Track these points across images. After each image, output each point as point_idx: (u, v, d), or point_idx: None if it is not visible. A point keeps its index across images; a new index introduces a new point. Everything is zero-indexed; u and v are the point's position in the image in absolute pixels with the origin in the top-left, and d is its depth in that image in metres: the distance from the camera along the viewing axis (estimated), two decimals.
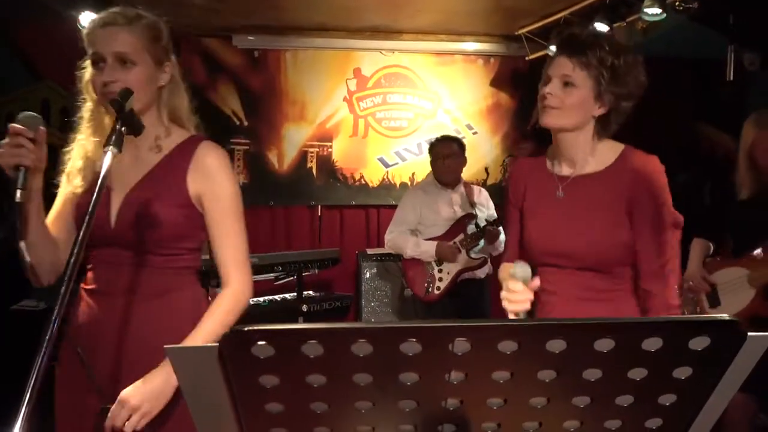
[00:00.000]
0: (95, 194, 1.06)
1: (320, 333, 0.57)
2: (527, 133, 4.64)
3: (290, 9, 3.88)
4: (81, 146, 1.38)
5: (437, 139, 3.33)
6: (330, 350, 0.58)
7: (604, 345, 0.60)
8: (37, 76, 4.17)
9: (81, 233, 1.03)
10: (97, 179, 1.11)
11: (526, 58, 4.27)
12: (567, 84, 1.44)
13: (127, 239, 1.31)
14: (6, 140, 1.16)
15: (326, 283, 4.19)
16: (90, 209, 1.04)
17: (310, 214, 4.45)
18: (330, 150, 4.45)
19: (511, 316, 1.35)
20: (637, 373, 0.63)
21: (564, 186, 1.50)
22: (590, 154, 1.48)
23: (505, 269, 1.65)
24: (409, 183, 4.51)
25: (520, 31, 4.15)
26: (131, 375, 1.27)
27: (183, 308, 1.36)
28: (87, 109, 1.36)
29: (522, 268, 1.33)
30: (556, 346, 0.59)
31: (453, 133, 4.40)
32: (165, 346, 0.60)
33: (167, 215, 1.31)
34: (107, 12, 1.32)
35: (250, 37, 4.28)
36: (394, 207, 4.38)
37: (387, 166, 4.52)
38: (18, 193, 1.14)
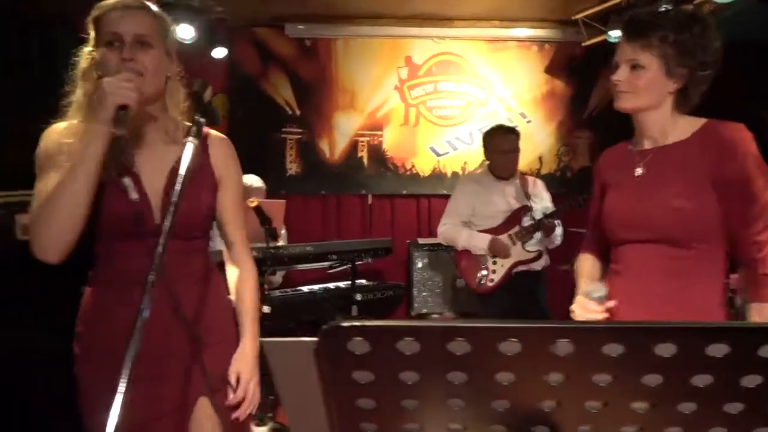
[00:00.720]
0: (179, 185, 1.07)
1: (418, 330, 0.56)
2: (583, 122, 4.50)
3: None
4: (72, 130, 1.32)
5: (494, 130, 3.22)
6: (426, 347, 0.57)
7: (664, 350, 0.57)
8: None
9: (168, 225, 1.03)
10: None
11: (583, 44, 4.13)
12: (634, 67, 1.44)
13: (169, 230, 1.30)
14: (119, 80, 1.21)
15: (377, 272, 4.20)
16: (175, 200, 1.05)
17: (360, 204, 4.47)
18: (381, 139, 4.44)
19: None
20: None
21: (644, 161, 1.48)
22: (671, 129, 1.46)
23: (583, 261, 1.62)
24: (460, 172, 4.46)
25: (578, 16, 4.01)
26: (205, 357, 1.32)
27: (221, 286, 1.47)
28: (82, 95, 1.33)
29: (597, 288, 1.34)
30: (666, 350, 0.56)
31: (506, 122, 4.32)
32: (263, 340, 0.60)
33: (205, 201, 1.39)
34: None
35: (301, 26, 4.29)
36: (446, 196, 4.36)
37: (438, 155, 4.48)
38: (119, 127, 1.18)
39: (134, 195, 1.31)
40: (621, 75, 1.45)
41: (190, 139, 1.13)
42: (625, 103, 1.46)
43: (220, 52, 3.93)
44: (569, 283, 4.33)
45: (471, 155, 4.46)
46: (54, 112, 1.37)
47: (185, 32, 3.66)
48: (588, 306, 1.40)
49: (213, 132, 1.45)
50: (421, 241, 4.22)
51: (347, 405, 0.63)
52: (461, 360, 0.59)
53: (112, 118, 1.18)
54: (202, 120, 1.17)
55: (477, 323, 0.55)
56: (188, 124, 1.38)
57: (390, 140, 4.45)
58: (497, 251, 3.05)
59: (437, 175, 4.48)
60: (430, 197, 4.48)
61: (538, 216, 3.07)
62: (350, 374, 0.60)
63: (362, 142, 4.43)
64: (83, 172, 1.20)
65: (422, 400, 0.63)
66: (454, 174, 4.47)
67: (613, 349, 0.57)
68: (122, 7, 1.30)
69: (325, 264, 3.42)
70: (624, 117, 1.57)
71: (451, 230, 3.16)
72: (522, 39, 4.44)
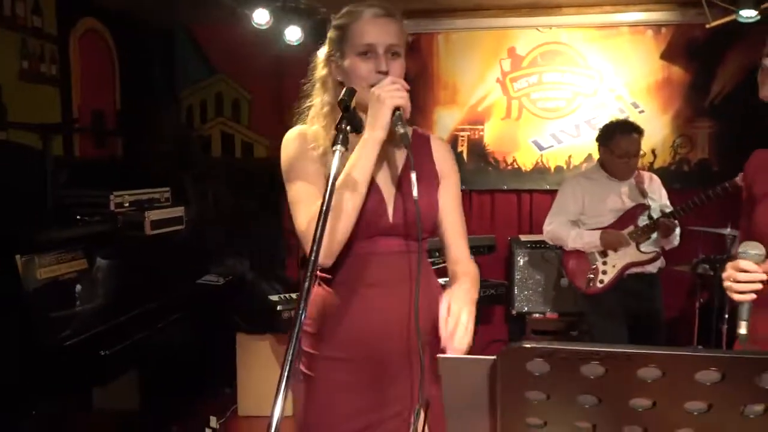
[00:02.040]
0: (327, 194, 1.09)
1: (606, 355, 0.52)
2: (704, 110, 4.16)
3: None
4: (316, 135, 1.39)
5: (614, 128, 2.97)
6: (612, 372, 0.54)
7: None
8: (213, 71, 4.56)
9: (318, 232, 1.06)
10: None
11: (707, 26, 3.79)
12: None
13: (401, 229, 1.37)
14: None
15: (478, 268, 4.13)
16: (324, 208, 1.07)
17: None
18: (481, 133, 4.35)
19: (734, 297, 1.22)
20: None
21: None
22: None
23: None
24: (565, 167, 4.29)
25: None
26: (413, 362, 1.33)
27: (438, 289, 1.43)
28: (320, 102, 1.39)
29: (754, 247, 1.19)
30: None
31: (617, 113, 4.10)
32: (439, 356, 0.59)
33: (435, 203, 1.40)
34: (368, 4, 1.35)
35: (405, 22, 4.28)
36: (549, 192, 4.21)
37: (541, 149, 4.32)
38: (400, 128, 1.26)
39: (371, 197, 1.34)
40: None
41: (338, 147, 1.14)
42: None
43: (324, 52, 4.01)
44: (685, 284, 4.06)
45: (576, 149, 4.27)
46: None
47: (292, 34, 3.78)
48: (743, 265, 1.21)
49: (434, 134, 1.54)
50: (522, 238, 4.11)
51: (515, 422, 0.61)
52: (651, 386, 0.55)
53: (391, 122, 1.26)
54: (348, 128, 1.18)
55: (669, 350, 0.51)
56: (412, 127, 1.47)
57: (491, 134, 4.35)
58: (611, 243, 2.86)
59: (539, 170, 4.33)
60: (532, 192, 4.34)
61: (656, 215, 2.87)
62: (524, 393, 0.58)
63: (462, 136, 4.36)
64: (364, 181, 1.27)
65: (598, 424, 0.60)
66: (558, 168, 4.30)
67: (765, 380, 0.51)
68: (373, 16, 1.33)
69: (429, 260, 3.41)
70: (750, 105, 1.42)
71: (558, 229, 3.01)
72: (635, 23, 4.17)
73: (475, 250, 3.45)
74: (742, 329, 1.21)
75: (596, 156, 3.19)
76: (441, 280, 1.56)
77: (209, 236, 3.57)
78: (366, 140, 1.27)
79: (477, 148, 4.35)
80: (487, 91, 4.33)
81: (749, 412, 0.53)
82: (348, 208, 1.27)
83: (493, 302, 3.70)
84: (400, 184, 1.39)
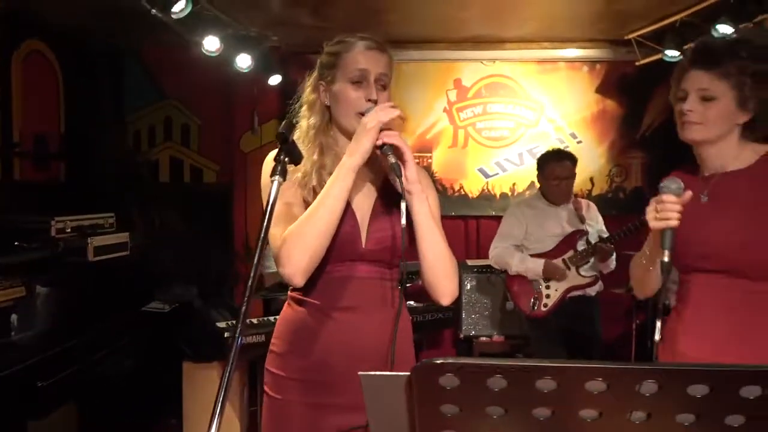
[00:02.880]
0: (265, 218, 1.12)
1: (508, 368, 0.59)
2: (636, 142, 4.43)
3: (395, 23, 3.95)
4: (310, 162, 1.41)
5: (548, 156, 3.19)
6: (514, 385, 0.60)
7: (749, 392, 0.57)
8: (162, 95, 4.54)
9: (256, 257, 1.09)
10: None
11: (637, 63, 4.08)
12: (706, 98, 1.40)
13: (375, 255, 1.38)
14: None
15: (426, 293, 4.21)
16: (262, 234, 1.10)
17: None
18: (430, 161, 4.48)
19: (655, 225, 1.32)
20: None
21: (708, 188, 1.45)
22: (735, 156, 1.43)
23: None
24: (509, 194, 4.45)
25: (631, 36, 3.97)
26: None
27: (407, 320, 1.48)
28: (312, 126, 1.42)
29: (673, 181, 1.31)
30: (698, 390, 0.57)
31: (556, 143, 4.31)
32: (360, 373, 0.64)
33: (407, 230, 1.37)
34: (362, 36, 1.40)
35: None
36: (494, 218, 4.36)
37: (487, 176, 4.49)
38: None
39: (346, 221, 1.36)
40: (692, 105, 1.39)
41: (276, 178, 1.18)
42: (693, 135, 1.42)
43: (275, 79, 4.07)
44: (623, 306, 4.24)
45: (520, 176, 4.45)
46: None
47: (243, 61, 3.83)
48: (664, 198, 1.32)
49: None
50: (470, 262, 4.22)
51: None
52: (548, 397, 0.61)
53: (381, 152, 1.28)
54: (286, 159, 1.22)
55: (567, 364, 0.57)
56: None
57: (439, 162, 4.49)
58: (552, 275, 3.02)
59: (486, 197, 4.48)
60: (478, 218, 4.48)
61: (594, 240, 3.03)
62: (438, 407, 0.63)
63: None
64: (338, 205, 1.30)
65: None
66: (503, 195, 4.46)
67: (698, 390, 0.59)
68: (366, 47, 1.38)
69: None
70: (679, 138, 1.55)
71: (503, 253, 3.15)
72: (572, 59, 4.42)
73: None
74: (665, 257, 1.30)
75: (538, 183, 3.35)
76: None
77: (155, 262, 3.51)
78: (342, 165, 1.31)
79: None
80: (435, 120, 4.48)
81: (681, 420, 0.59)
82: (320, 229, 1.30)
83: (441, 326, 3.76)
84: (376, 210, 1.41)
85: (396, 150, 1.32)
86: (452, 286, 1.42)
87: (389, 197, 1.40)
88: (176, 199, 4.38)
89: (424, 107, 4.48)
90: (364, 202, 1.42)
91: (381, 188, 1.43)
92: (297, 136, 1.41)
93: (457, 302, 4.09)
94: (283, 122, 1.29)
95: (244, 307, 1.02)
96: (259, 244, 1.06)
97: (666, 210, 1.31)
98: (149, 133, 4.58)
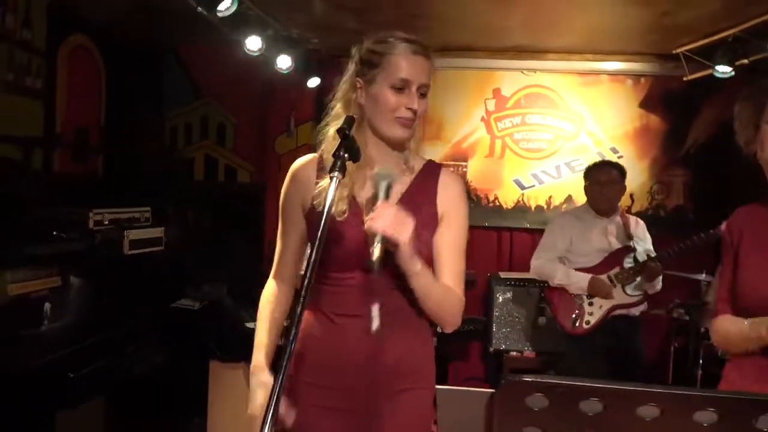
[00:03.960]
0: (324, 219, 1.09)
1: (606, 392, 0.53)
2: (679, 159, 4.29)
3: (435, 29, 3.91)
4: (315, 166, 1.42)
5: (594, 164, 3.14)
6: (612, 409, 0.54)
7: None
8: (200, 94, 4.56)
9: (313, 256, 1.06)
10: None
11: (684, 78, 3.96)
12: None
13: (388, 266, 1.30)
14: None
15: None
16: (320, 234, 1.07)
17: None
18: (465, 170, 4.41)
19: None
20: None
21: None
22: None
23: (727, 319, 1.44)
24: (545, 207, 4.36)
25: (679, 50, 3.86)
26: (388, 400, 1.32)
27: (426, 329, 1.41)
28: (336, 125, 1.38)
29: None
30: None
31: (596, 157, 4.19)
32: (437, 387, 0.59)
33: (427, 237, 1.34)
34: (409, 39, 1.36)
35: None
36: (529, 230, 4.27)
37: (523, 188, 4.40)
38: None
39: (356, 228, 1.32)
40: None
41: (335, 174, 1.14)
42: None
43: (314, 82, 4.06)
44: (661, 328, 4.08)
45: (557, 189, 4.35)
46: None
47: (283, 62, 3.82)
48: None
49: (446, 167, 1.47)
50: (502, 275, 4.13)
51: None
52: (649, 425, 0.55)
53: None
54: (345, 155, 1.18)
55: (667, 389, 0.51)
56: (427, 159, 1.45)
57: (474, 171, 4.41)
58: (598, 291, 2.91)
59: (521, 209, 4.39)
60: (512, 230, 4.39)
61: (642, 258, 2.92)
62: (521, 428, 0.58)
63: None
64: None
65: None
66: (539, 208, 4.36)
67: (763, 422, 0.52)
68: (413, 52, 1.34)
69: None
70: (725, 156, 1.45)
71: (546, 265, 3.04)
72: (615, 72, 4.32)
73: None
74: None
75: (576, 197, 3.27)
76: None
77: (187, 259, 3.51)
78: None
79: None
80: (472, 129, 4.41)
81: None
82: None
83: (470, 338, 3.69)
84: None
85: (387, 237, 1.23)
86: (455, 322, 1.39)
87: (414, 201, 1.36)
88: (210, 197, 4.39)
89: (461, 115, 4.41)
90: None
91: (404, 192, 1.39)
92: (332, 133, 1.38)
93: (488, 315, 4.00)
94: (345, 117, 1.25)
95: (298, 311, 0.98)
96: (315, 248, 1.03)
97: None
98: (186, 131, 4.61)
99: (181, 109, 4.59)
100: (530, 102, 4.40)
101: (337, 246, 1.32)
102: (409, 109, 1.32)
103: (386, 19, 3.74)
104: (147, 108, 4.48)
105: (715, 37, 3.59)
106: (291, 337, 0.97)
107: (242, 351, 3.21)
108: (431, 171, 1.43)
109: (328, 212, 1.10)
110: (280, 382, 0.94)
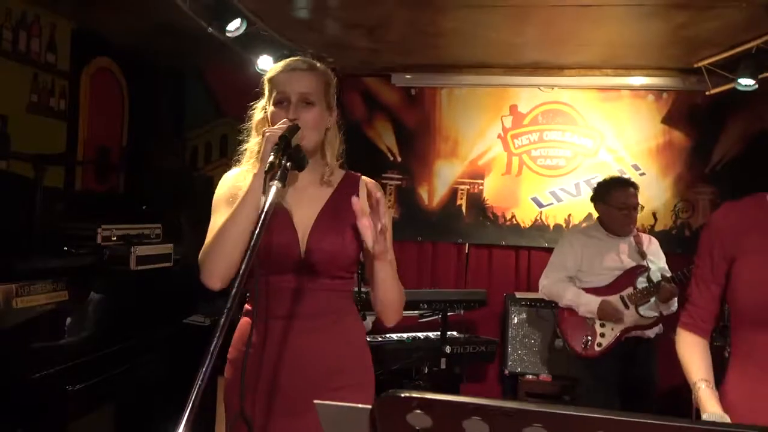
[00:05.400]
0: (259, 225, 1.08)
1: (488, 410, 0.48)
2: (705, 176, 4.13)
3: (449, 47, 3.91)
4: (243, 176, 1.48)
5: (611, 182, 2.98)
6: (498, 430, 0.49)
7: None
8: (220, 114, 4.66)
9: (245, 262, 1.05)
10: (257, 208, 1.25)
11: (707, 93, 3.83)
12: None
13: (314, 267, 1.41)
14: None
15: (470, 323, 4.04)
16: (254, 240, 1.07)
17: (457, 252, 4.37)
18: (481, 187, 4.35)
19: None
20: None
21: None
22: None
23: (693, 347, 1.39)
24: (564, 225, 4.25)
25: (700, 64, 3.74)
26: (319, 396, 1.31)
27: (359, 329, 1.52)
28: (255, 144, 1.49)
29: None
30: None
31: (617, 174, 4.08)
32: (315, 402, 0.56)
33: (350, 243, 1.42)
34: (292, 59, 1.48)
35: (408, 76, 4.38)
36: (547, 249, 4.16)
37: (541, 206, 4.30)
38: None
39: (284, 232, 1.41)
40: None
41: (275, 183, 1.15)
42: None
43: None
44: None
45: (576, 207, 4.24)
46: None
47: None
48: None
49: (365, 177, 1.55)
50: (518, 295, 4.03)
51: None
52: None
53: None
54: (288, 164, 1.18)
55: (556, 411, 0.47)
56: (345, 171, 1.55)
57: (490, 189, 4.35)
58: (608, 316, 2.78)
59: (538, 227, 4.29)
60: (530, 249, 4.29)
61: (657, 278, 2.79)
62: None
63: (462, 189, 4.37)
64: (242, 213, 1.32)
65: None
66: (557, 226, 4.26)
67: None
68: (289, 69, 1.44)
69: (416, 312, 3.35)
70: (754, 172, 1.39)
71: (556, 285, 2.93)
72: (636, 87, 4.21)
73: (466, 304, 3.39)
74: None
75: (596, 215, 3.16)
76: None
77: (199, 276, 3.53)
78: (253, 176, 1.36)
79: (476, 202, 4.34)
80: (488, 146, 4.36)
81: None
82: (224, 235, 1.33)
83: (484, 359, 3.59)
84: (320, 221, 1.44)
85: (373, 215, 1.33)
86: (398, 317, 1.50)
87: (336, 209, 1.45)
88: None
89: (477, 133, 4.37)
90: (307, 213, 1.45)
91: (328, 199, 1.47)
92: (247, 156, 1.49)
93: (503, 336, 3.89)
94: (286, 126, 1.26)
95: (224, 317, 0.96)
96: (248, 252, 1.02)
97: None
98: (206, 150, 4.70)
99: (202, 129, 4.69)
100: (548, 118, 4.32)
101: (268, 250, 1.37)
102: (289, 119, 1.37)
103: (398, 37, 3.76)
104: (168, 128, 4.60)
105: (738, 50, 3.48)
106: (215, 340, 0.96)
107: None
108: (350, 181, 1.53)
109: (264, 219, 1.09)
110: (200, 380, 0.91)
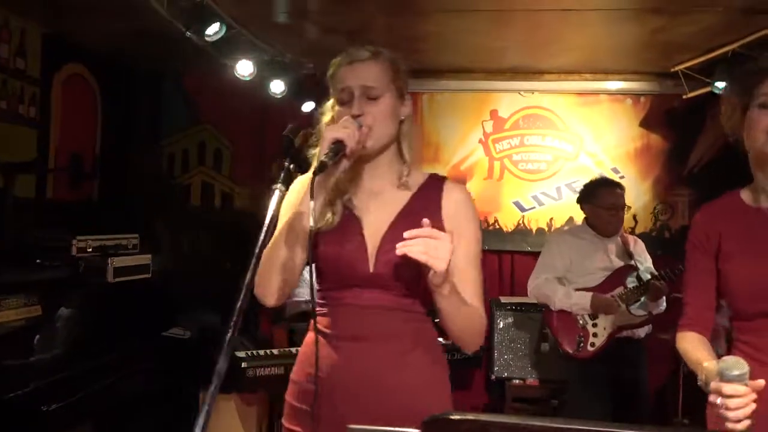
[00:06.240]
0: (263, 233, 1.02)
1: (542, 430, 0.45)
2: (683, 178, 4.19)
3: (430, 52, 3.89)
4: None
5: (597, 183, 2.99)
6: None
7: None
8: (197, 120, 4.56)
9: (249, 273, 0.99)
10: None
11: (684, 96, 3.89)
12: None
13: (385, 281, 1.26)
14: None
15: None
16: (258, 250, 1.01)
17: None
18: None
19: (731, 426, 1.05)
20: None
21: None
22: None
23: (693, 341, 1.39)
24: (546, 229, 4.26)
25: (677, 68, 3.80)
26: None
27: (434, 359, 1.31)
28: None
29: (735, 366, 1.06)
30: None
31: (599, 176, 4.11)
32: (348, 426, 0.51)
33: None
34: (351, 49, 1.33)
35: None
36: (530, 253, 4.16)
37: (523, 210, 4.31)
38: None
39: (351, 241, 1.27)
40: None
41: (278, 186, 1.09)
42: None
43: (308, 106, 4.04)
44: (669, 352, 3.91)
45: (558, 211, 4.26)
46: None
47: (276, 87, 3.81)
48: (728, 390, 1.05)
49: (451, 181, 1.38)
50: (503, 299, 4.02)
51: None
52: None
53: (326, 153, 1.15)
54: (291, 166, 1.12)
55: (612, 428, 0.43)
56: (429, 173, 1.38)
57: (473, 193, 4.23)
58: (602, 309, 2.76)
59: (521, 231, 4.30)
60: (513, 253, 4.29)
61: (646, 277, 2.80)
62: None
63: None
64: (289, 223, 1.23)
65: None
66: (540, 230, 4.27)
67: None
68: (349, 61, 1.31)
69: None
70: (730, 174, 1.42)
71: (544, 286, 2.88)
72: (615, 92, 4.26)
73: None
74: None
75: (578, 218, 3.16)
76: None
77: (178, 287, 3.44)
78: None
79: None
80: (470, 151, 4.35)
81: None
82: (271, 250, 1.23)
83: (470, 365, 3.56)
84: (392, 230, 1.27)
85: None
86: (478, 343, 1.32)
87: (414, 216, 1.23)
88: (206, 223, 4.34)
89: (459, 138, 4.36)
90: (380, 220, 1.29)
91: (405, 204, 1.31)
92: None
93: (489, 342, 3.87)
94: (288, 126, 1.19)
95: (229, 333, 0.90)
96: (253, 260, 0.97)
97: (740, 405, 1.04)
98: (183, 157, 4.59)
99: (178, 135, 4.58)
100: (528, 123, 4.34)
101: (330, 263, 1.27)
102: (354, 116, 1.24)
103: (378, 41, 3.70)
104: (144, 134, 4.48)
105: (714, 54, 3.53)
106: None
107: (232, 381, 3.13)
108: (434, 185, 1.35)
109: (268, 226, 1.03)
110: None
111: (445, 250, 1.09)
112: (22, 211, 2.78)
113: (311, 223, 1.11)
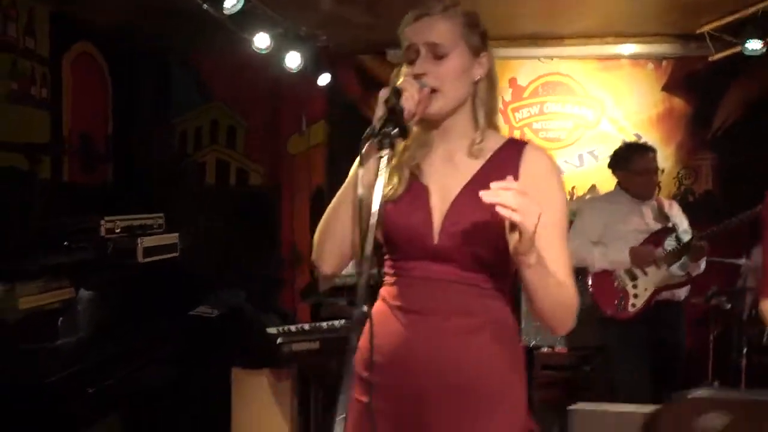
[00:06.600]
0: (374, 204, 0.96)
1: None
2: (706, 143, 4.13)
3: None
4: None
5: (629, 148, 2.98)
6: None
7: None
8: (209, 97, 4.47)
9: (364, 245, 0.93)
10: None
11: (710, 59, 3.80)
12: None
13: (452, 254, 1.17)
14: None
15: None
16: (371, 226, 0.94)
17: None
18: None
19: None
20: None
21: None
22: None
23: None
24: (568, 197, 4.20)
25: (703, 29, 3.70)
26: (448, 406, 1.16)
27: (507, 340, 1.21)
28: None
29: None
30: None
31: (619, 144, 4.05)
32: (569, 408, 0.47)
33: (498, 227, 1.05)
34: (422, 6, 1.22)
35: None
36: None
37: None
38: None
39: (418, 212, 1.20)
40: None
41: (385, 152, 1.02)
42: None
43: (324, 79, 3.95)
44: (702, 317, 3.86)
45: (580, 179, 4.20)
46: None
47: (292, 61, 3.71)
48: None
49: (532, 145, 1.24)
50: None
51: None
52: None
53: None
54: (394, 131, 1.04)
55: None
56: (508, 137, 1.27)
57: None
58: (643, 262, 2.73)
59: None
60: None
61: (686, 238, 2.76)
62: None
63: None
64: (343, 191, 1.20)
65: None
66: None
67: None
68: (415, 18, 1.21)
69: None
70: (754, 139, 1.35)
71: (580, 249, 2.77)
72: (636, 56, 4.17)
73: None
74: None
75: (600, 186, 3.12)
76: None
77: (203, 266, 3.40)
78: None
79: None
80: None
81: None
82: (328, 217, 1.23)
83: None
84: (461, 198, 1.18)
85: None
86: (569, 324, 1.18)
87: (486, 184, 1.05)
88: (222, 201, 4.29)
89: None
90: (447, 190, 1.20)
91: (477, 172, 1.21)
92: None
93: (517, 309, 3.85)
94: (390, 88, 1.12)
95: (365, 307, 0.85)
96: (368, 238, 0.90)
97: None
98: (195, 135, 4.51)
99: (191, 113, 4.50)
100: (548, 90, 4.26)
101: (397, 234, 1.21)
102: (417, 76, 1.15)
103: (397, 12, 3.62)
104: (155, 113, 4.39)
105: (742, 13, 3.44)
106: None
107: (265, 357, 3.11)
108: (511, 149, 1.23)
109: (378, 195, 0.97)
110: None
111: (534, 210, 0.98)
112: (46, 194, 2.72)
113: (372, 197, 1.00)
